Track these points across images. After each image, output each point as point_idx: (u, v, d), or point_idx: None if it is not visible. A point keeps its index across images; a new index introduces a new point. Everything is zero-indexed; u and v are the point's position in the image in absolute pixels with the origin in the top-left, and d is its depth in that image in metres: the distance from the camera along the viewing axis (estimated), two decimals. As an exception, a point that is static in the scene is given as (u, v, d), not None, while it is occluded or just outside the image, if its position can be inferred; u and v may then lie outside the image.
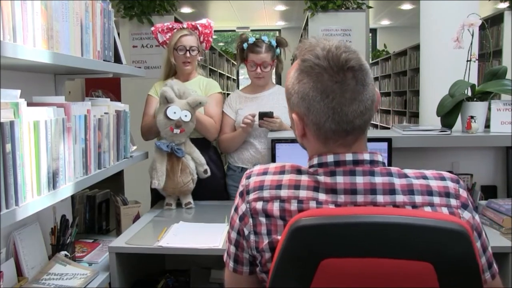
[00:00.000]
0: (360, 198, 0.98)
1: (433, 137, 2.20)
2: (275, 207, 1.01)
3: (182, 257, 2.12)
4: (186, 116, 2.26)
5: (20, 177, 1.23)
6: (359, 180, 0.99)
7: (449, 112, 2.27)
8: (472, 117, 2.23)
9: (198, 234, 1.92)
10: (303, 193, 1.00)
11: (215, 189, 2.58)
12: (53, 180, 1.40)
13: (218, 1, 8.28)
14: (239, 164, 2.66)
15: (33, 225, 1.72)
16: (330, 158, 1.02)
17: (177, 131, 2.26)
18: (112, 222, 2.36)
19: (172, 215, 2.26)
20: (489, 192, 2.35)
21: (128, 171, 3.76)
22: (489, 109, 2.27)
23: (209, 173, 2.41)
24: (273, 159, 2.16)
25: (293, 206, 0.99)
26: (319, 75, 0.98)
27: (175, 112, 2.24)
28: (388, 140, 2.11)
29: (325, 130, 1.00)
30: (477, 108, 2.25)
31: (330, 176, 1.00)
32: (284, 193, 1.01)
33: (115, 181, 2.60)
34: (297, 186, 1.01)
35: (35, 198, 1.31)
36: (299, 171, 1.04)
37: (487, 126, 2.30)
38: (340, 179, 0.99)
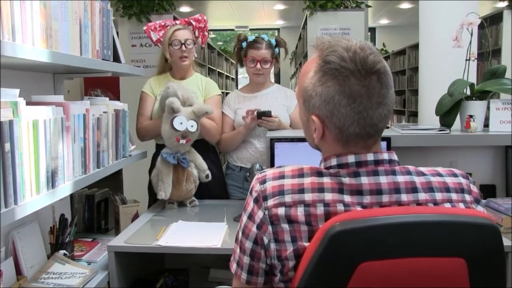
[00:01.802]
0: (385, 198, 0.97)
1: (432, 136, 2.20)
2: (299, 212, 0.97)
3: (181, 256, 2.12)
4: (192, 126, 2.26)
5: (19, 176, 1.23)
6: (383, 180, 0.98)
7: (448, 111, 2.27)
8: (471, 116, 2.23)
9: (197, 233, 1.92)
10: (328, 196, 0.97)
11: (215, 189, 2.58)
12: (52, 179, 1.40)
13: (217, 0, 8.28)
14: (238, 164, 2.66)
15: (32, 224, 1.72)
16: (351, 158, 1.00)
17: (183, 141, 2.26)
18: (111, 221, 2.36)
19: (171, 214, 2.26)
20: (488, 191, 2.35)
21: (127, 170, 3.75)
22: (488, 108, 2.27)
23: (210, 178, 2.42)
24: (272, 159, 2.16)
25: (319, 210, 0.96)
26: (346, 78, 0.96)
27: (181, 123, 2.23)
28: (387, 140, 2.11)
29: (347, 134, 0.99)
30: (476, 107, 2.26)
31: (354, 177, 0.98)
32: (308, 197, 0.97)
33: (114, 180, 2.60)
34: (321, 189, 0.98)
35: (34, 197, 1.31)
36: (319, 173, 1.01)
37: (486, 125, 2.30)
38: (365, 180, 0.98)
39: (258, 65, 2.58)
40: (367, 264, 0.87)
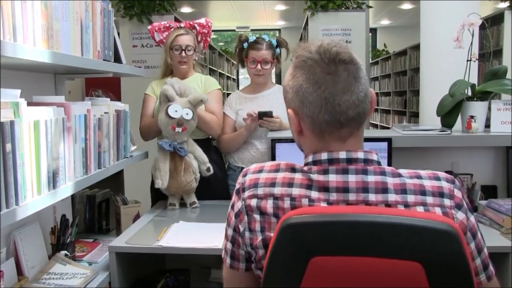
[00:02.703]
0: (352, 197, 0.98)
1: (433, 137, 2.20)
2: (268, 205, 1.02)
3: (182, 257, 2.12)
4: (187, 114, 2.25)
5: (20, 177, 1.23)
6: (352, 178, 0.99)
7: (449, 112, 2.27)
8: (472, 117, 2.23)
9: (198, 234, 1.92)
10: (295, 191, 1.01)
11: (216, 189, 2.58)
12: (53, 180, 1.40)
13: (218, 0, 8.27)
14: (239, 164, 2.66)
15: (33, 224, 1.72)
16: (324, 155, 1.03)
17: (179, 129, 2.25)
18: (112, 221, 2.36)
19: (172, 215, 2.26)
20: (489, 192, 2.35)
21: (128, 171, 3.75)
22: (489, 109, 2.27)
23: (212, 171, 2.41)
24: (273, 159, 2.16)
25: (286, 203, 1.00)
26: (311, 67, 1.00)
27: (176, 111, 2.23)
28: (388, 140, 2.11)
29: (319, 122, 1.01)
30: (477, 108, 2.25)
31: (323, 174, 1.01)
32: (277, 190, 1.02)
33: (115, 181, 2.60)
34: (290, 184, 1.02)
35: (35, 198, 1.31)
36: (293, 169, 1.05)
37: (487, 126, 2.30)
38: (332, 177, 1.00)
39: (259, 66, 2.58)
40: (319, 259, 0.89)
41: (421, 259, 0.87)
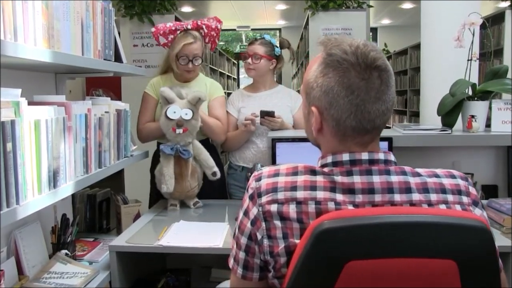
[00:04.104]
0: (378, 198, 0.97)
1: (433, 136, 2.20)
2: (291, 209, 0.98)
3: (182, 256, 2.12)
4: (186, 114, 2.22)
5: (21, 176, 1.23)
6: (376, 179, 0.99)
7: (450, 111, 2.27)
8: (472, 116, 2.23)
9: (198, 233, 1.92)
10: (320, 194, 0.98)
11: (215, 189, 2.58)
12: (54, 179, 1.40)
13: (219, 0, 8.27)
14: (240, 163, 2.66)
15: (34, 224, 1.72)
16: (345, 157, 1.01)
17: (179, 130, 2.23)
18: (112, 221, 2.36)
19: (173, 214, 2.26)
20: (490, 191, 2.34)
21: (128, 170, 3.74)
22: (490, 108, 2.27)
23: (218, 176, 2.36)
24: (274, 158, 2.16)
25: (311, 207, 0.97)
26: (346, 70, 0.97)
27: (175, 112, 2.21)
28: (389, 140, 2.11)
29: (344, 127, 1.00)
30: (478, 108, 2.25)
31: (347, 176, 0.99)
32: (300, 194, 0.98)
33: (116, 180, 2.59)
34: (313, 187, 0.99)
35: (36, 197, 1.31)
36: (313, 172, 1.02)
37: (488, 125, 2.30)
38: (357, 179, 0.98)
39: (249, 60, 2.61)
40: (354, 263, 0.87)
41: (456, 257, 0.88)
